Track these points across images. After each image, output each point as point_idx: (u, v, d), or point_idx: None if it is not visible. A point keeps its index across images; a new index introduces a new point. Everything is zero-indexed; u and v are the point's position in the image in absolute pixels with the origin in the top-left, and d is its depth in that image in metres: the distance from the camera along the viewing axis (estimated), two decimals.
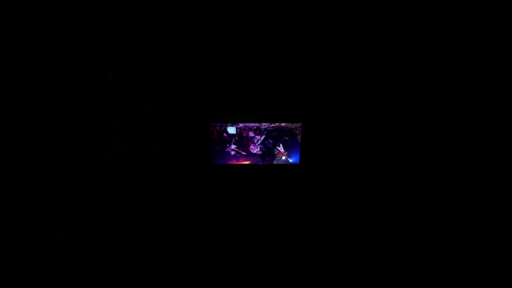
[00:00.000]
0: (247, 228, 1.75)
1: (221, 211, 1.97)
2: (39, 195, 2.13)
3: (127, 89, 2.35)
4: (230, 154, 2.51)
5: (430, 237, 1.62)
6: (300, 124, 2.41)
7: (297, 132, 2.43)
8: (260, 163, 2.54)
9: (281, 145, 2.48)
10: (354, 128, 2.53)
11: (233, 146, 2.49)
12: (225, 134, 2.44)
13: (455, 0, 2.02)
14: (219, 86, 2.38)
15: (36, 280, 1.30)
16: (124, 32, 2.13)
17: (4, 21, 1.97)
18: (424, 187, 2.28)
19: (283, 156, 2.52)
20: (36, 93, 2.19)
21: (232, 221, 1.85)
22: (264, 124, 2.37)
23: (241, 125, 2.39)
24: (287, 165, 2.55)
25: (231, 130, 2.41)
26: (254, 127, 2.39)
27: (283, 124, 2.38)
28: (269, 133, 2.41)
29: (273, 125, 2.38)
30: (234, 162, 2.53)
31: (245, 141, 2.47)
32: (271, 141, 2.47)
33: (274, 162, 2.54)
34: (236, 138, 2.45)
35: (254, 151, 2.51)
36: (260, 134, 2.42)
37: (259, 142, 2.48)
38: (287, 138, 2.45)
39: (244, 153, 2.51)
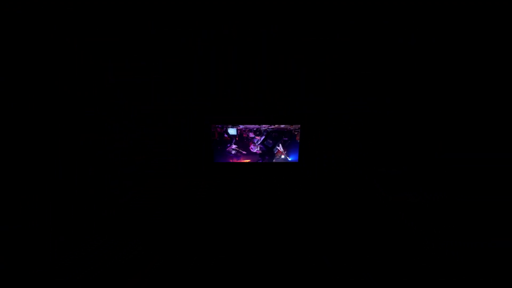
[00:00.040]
0: (247, 228, 1.75)
1: (221, 211, 1.97)
2: (39, 195, 2.13)
3: (127, 89, 2.35)
4: (231, 153, 2.54)
5: (430, 237, 1.62)
6: (299, 126, 2.44)
7: (296, 133, 2.47)
8: (260, 161, 2.57)
9: (280, 145, 2.51)
10: (354, 128, 2.53)
11: (233, 146, 2.51)
12: (226, 135, 2.47)
13: (455, 0, 2.02)
14: (219, 86, 2.38)
15: (36, 280, 1.30)
16: (124, 32, 2.13)
17: (4, 21, 1.97)
18: (424, 187, 2.28)
19: (282, 155, 2.55)
20: (36, 93, 2.19)
21: (232, 220, 1.85)
22: (264, 126, 2.43)
23: (241, 126, 2.44)
24: (286, 163, 2.59)
25: (232, 131, 2.45)
26: (254, 129, 2.44)
27: (282, 126, 2.44)
28: (268, 134, 2.45)
29: (272, 126, 2.43)
30: (235, 160, 2.56)
31: (246, 141, 2.50)
32: (271, 141, 2.50)
33: (274, 160, 2.57)
34: (237, 138, 2.49)
35: (254, 151, 2.54)
36: (260, 135, 2.47)
37: (259, 142, 2.50)
38: (286, 139, 2.49)
39: (244, 152, 2.54)
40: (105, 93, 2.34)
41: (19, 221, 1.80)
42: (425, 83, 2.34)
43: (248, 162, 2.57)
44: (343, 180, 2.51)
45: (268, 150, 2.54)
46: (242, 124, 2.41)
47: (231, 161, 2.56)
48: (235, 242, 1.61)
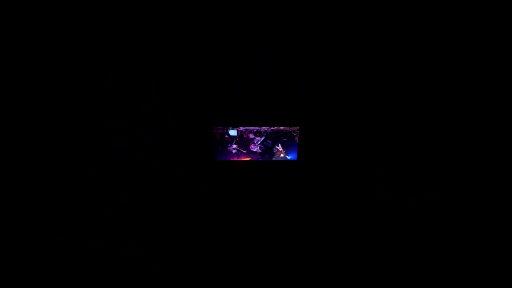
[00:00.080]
0: (247, 228, 1.75)
1: (221, 211, 1.97)
2: (39, 195, 2.13)
3: (127, 89, 2.35)
4: (232, 152, 2.57)
5: (430, 237, 1.62)
6: (298, 127, 2.48)
7: (294, 134, 2.50)
8: (260, 159, 2.61)
9: (279, 144, 2.53)
10: (354, 128, 2.53)
11: (234, 146, 2.53)
12: (226, 136, 2.50)
13: (455, 0, 2.02)
14: (219, 86, 2.38)
15: (36, 280, 1.30)
16: (124, 32, 2.13)
17: (4, 21, 1.97)
18: (424, 187, 2.28)
19: (282, 154, 2.59)
20: (36, 93, 2.19)
21: (232, 220, 1.85)
22: (263, 127, 2.47)
23: (242, 128, 2.47)
24: (285, 161, 2.63)
25: (233, 132, 2.50)
26: (254, 130, 2.48)
27: (281, 127, 2.47)
28: (268, 135, 2.49)
29: (272, 128, 2.47)
30: (235, 158, 2.60)
31: (246, 141, 2.53)
32: (270, 142, 2.54)
33: (273, 159, 2.62)
34: (237, 139, 2.52)
35: (254, 150, 2.57)
36: (260, 136, 2.51)
37: (259, 143, 2.53)
38: (285, 139, 2.53)
39: (244, 151, 2.57)
40: (105, 93, 2.34)
41: (19, 221, 1.80)
42: (425, 83, 2.34)
43: (248, 160, 2.61)
44: (343, 180, 2.51)
45: (267, 150, 2.57)
46: (242, 126, 2.46)
47: (231, 159, 2.60)
48: (235, 242, 1.61)
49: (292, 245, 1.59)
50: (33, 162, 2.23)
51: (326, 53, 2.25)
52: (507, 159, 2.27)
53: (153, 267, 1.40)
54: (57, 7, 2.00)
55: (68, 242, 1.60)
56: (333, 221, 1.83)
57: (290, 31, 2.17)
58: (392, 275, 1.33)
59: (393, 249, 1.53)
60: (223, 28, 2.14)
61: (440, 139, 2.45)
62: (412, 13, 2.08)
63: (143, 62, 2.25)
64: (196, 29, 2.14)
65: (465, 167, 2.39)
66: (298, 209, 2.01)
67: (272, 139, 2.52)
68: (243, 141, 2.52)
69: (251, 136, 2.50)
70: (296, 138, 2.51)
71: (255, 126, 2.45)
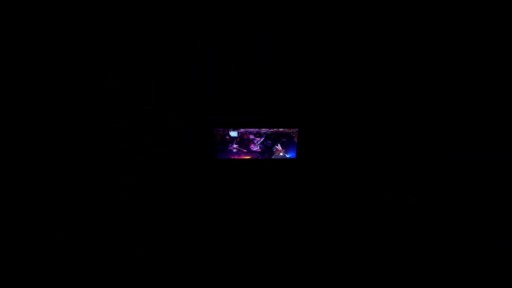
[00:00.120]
0: (247, 228, 1.75)
1: (221, 211, 1.97)
2: (39, 195, 2.13)
3: (127, 89, 2.35)
4: (233, 152, 2.60)
5: (430, 237, 1.62)
6: (297, 129, 2.50)
7: (293, 135, 2.53)
8: (260, 157, 2.63)
9: (279, 144, 2.55)
10: (354, 128, 2.53)
11: (235, 145, 2.55)
12: (227, 137, 2.53)
13: (455, 0, 2.02)
14: (219, 86, 2.38)
15: (36, 280, 1.30)
16: (124, 32, 2.13)
17: (4, 21, 1.97)
18: (424, 187, 2.28)
19: (281, 153, 2.62)
20: (36, 93, 2.19)
21: (232, 220, 1.84)
22: (263, 129, 2.51)
23: (242, 130, 2.51)
24: (284, 159, 2.67)
25: (233, 133, 2.53)
26: (254, 132, 2.52)
27: (281, 129, 2.50)
28: (268, 136, 2.52)
29: (271, 130, 2.50)
30: (236, 157, 2.64)
31: (246, 142, 2.55)
32: (270, 142, 2.56)
33: (273, 157, 2.65)
34: (238, 140, 2.55)
35: (255, 149, 2.60)
36: (260, 137, 2.55)
37: (259, 143, 2.54)
38: (285, 140, 2.56)
39: (245, 150, 2.60)
40: (105, 93, 2.34)
41: (19, 221, 1.80)
42: (425, 83, 2.34)
43: (249, 159, 2.64)
44: (343, 180, 2.51)
45: (267, 149, 2.59)
46: (243, 128, 2.49)
47: (232, 157, 2.63)
48: (235, 242, 1.61)
49: (292, 244, 1.59)
50: (33, 162, 2.23)
51: (326, 53, 2.25)
52: (507, 159, 2.27)
53: (153, 267, 1.40)
54: (57, 7, 2.00)
55: (68, 242, 1.60)
56: (333, 221, 1.83)
57: (290, 31, 2.17)
58: (392, 275, 1.33)
59: (393, 249, 1.53)
60: (223, 28, 2.14)
61: (440, 139, 2.45)
62: (412, 13, 2.08)
63: (143, 62, 2.25)
64: (196, 29, 2.14)
65: (465, 167, 2.39)
66: (298, 208, 2.01)
67: (271, 139, 2.54)
68: (244, 142, 2.55)
69: (251, 137, 2.53)
70: (295, 139, 2.54)
71: (255, 127, 2.48)
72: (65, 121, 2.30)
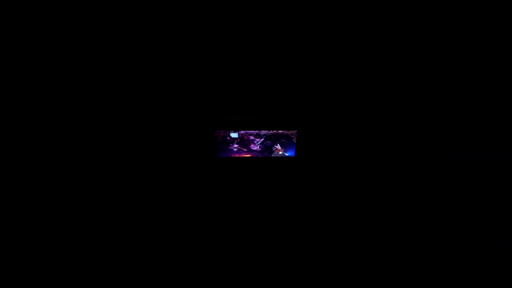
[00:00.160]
0: (246, 228, 1.75)
1: (221, 210, 1.97)
2: (39, 195, 2.13)
3: (127, 89, 2.35)
4: (233, 151, 2.63)
5: (430, 237, 1.62)
6: (296, 131, 2.52)
7: (292, 136, 2.55)
8: (260, 156, 2.66)
9: (278, 144, 2.57)
10: (354, 128, 2.53)
11: (235, 145, 2.57)
12: (228, 138, 2.55)
13: (455, 0, 2.02)
14: (219, 86, 2.38)
15: (36, 280, 1.30)
16: (124, 32, 2.13)
17: (4, 21, 1.97)
18: (424, 187, 2.28)
19: (280, 152, 2.64)
20: (36, 93, 2.19)
21: (232, 220, 1.84)
22: (263, 131, 2.54)
23: (242, 131, 2.53)
24: (283, 158, 2.70)
25: (234, 135, 2.56)
26: (254, 133, 2.55)
27: (280, 131, 2.53)
28: (267, 137, 2.56)
29: (271, 132, 2.53)
30: (236, 155, 2.67)
31: (246, 142, 2.57)
32: (270, 142, 2.59)
33: (272, 155, 2.68)
34: (238, 140, 2.57)
35: (255, 149, 2.62)
36: (260, 137, 2.57)
37: (259, 143, 2.56)
38: (284, 140, 2.59)
39: (245, 149, 2.62)
40: (105, 93, 2.34)
41: (19, 221, 1.80)
42: (425, 83, 2.34)
43: (249, 157, 2.67)
44: (343, 180, 2.51)
45: (267, 148, 2.62)
46: (243, 130, 2.52)
47: (233, 156, 2.66)
48: (235, 242, 1.61)
49: (292, 244, 1.59)
50: (33, 162, 2.23)
51: (326, 53, 2.25)
52: (507, 159, 2.27)
53: (153, 267, 1.40)
54: (57, 7, 2.00)
55: (68, 242, 1.60)
56: (333, 221, 1.83)
57: (290, 31, 2.17)
58: (392, 275, 1.33)
59: (393, 249, 1.53)
60: (223, 28, 2.14)
61: (440, 139, 2.45)
62: (412, 13, 2.08)
63: (143, 62, 2.25)
64: (196, 29, 2.14)
65: (465, 167, 2.39)
66: (298, 208, 2.01)
67: (271, 140, 2.56)
68: (244, 142, 2.57)
69: (252, 137, 2.55)
70: (294, 139, 2.56)
71: (254, 129, 2.51)
72: (65, 121, 2.30)
